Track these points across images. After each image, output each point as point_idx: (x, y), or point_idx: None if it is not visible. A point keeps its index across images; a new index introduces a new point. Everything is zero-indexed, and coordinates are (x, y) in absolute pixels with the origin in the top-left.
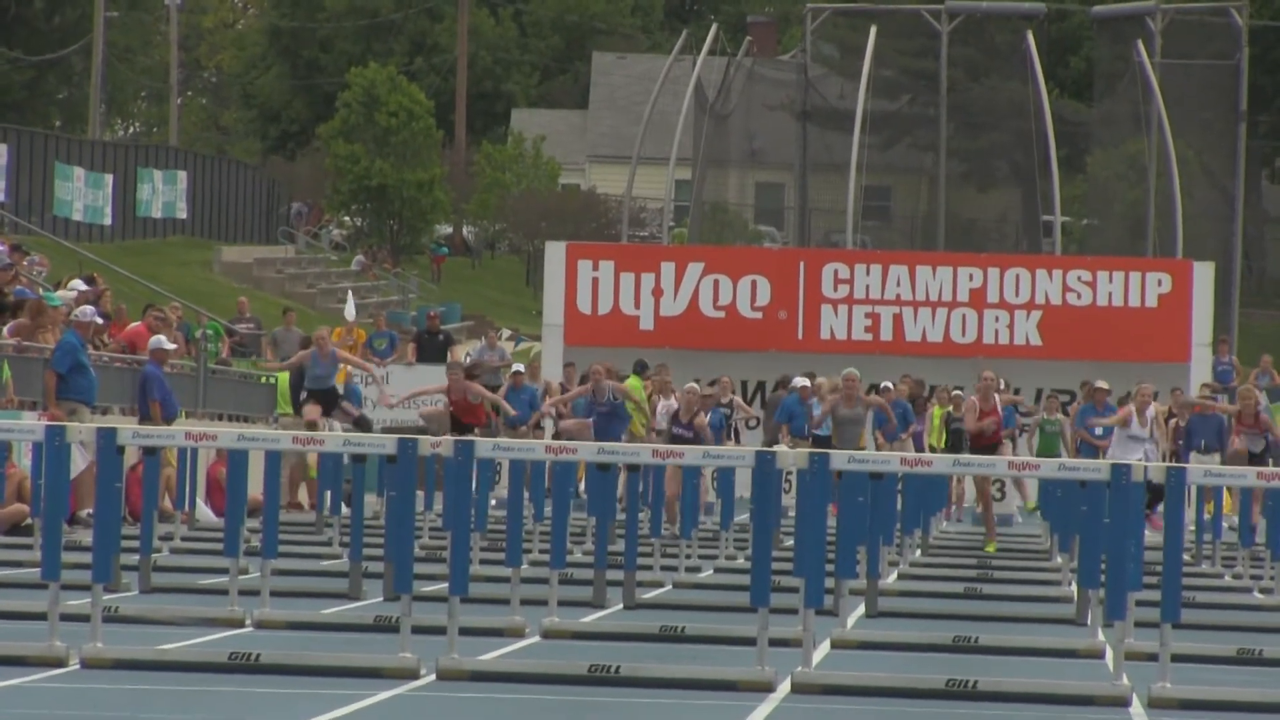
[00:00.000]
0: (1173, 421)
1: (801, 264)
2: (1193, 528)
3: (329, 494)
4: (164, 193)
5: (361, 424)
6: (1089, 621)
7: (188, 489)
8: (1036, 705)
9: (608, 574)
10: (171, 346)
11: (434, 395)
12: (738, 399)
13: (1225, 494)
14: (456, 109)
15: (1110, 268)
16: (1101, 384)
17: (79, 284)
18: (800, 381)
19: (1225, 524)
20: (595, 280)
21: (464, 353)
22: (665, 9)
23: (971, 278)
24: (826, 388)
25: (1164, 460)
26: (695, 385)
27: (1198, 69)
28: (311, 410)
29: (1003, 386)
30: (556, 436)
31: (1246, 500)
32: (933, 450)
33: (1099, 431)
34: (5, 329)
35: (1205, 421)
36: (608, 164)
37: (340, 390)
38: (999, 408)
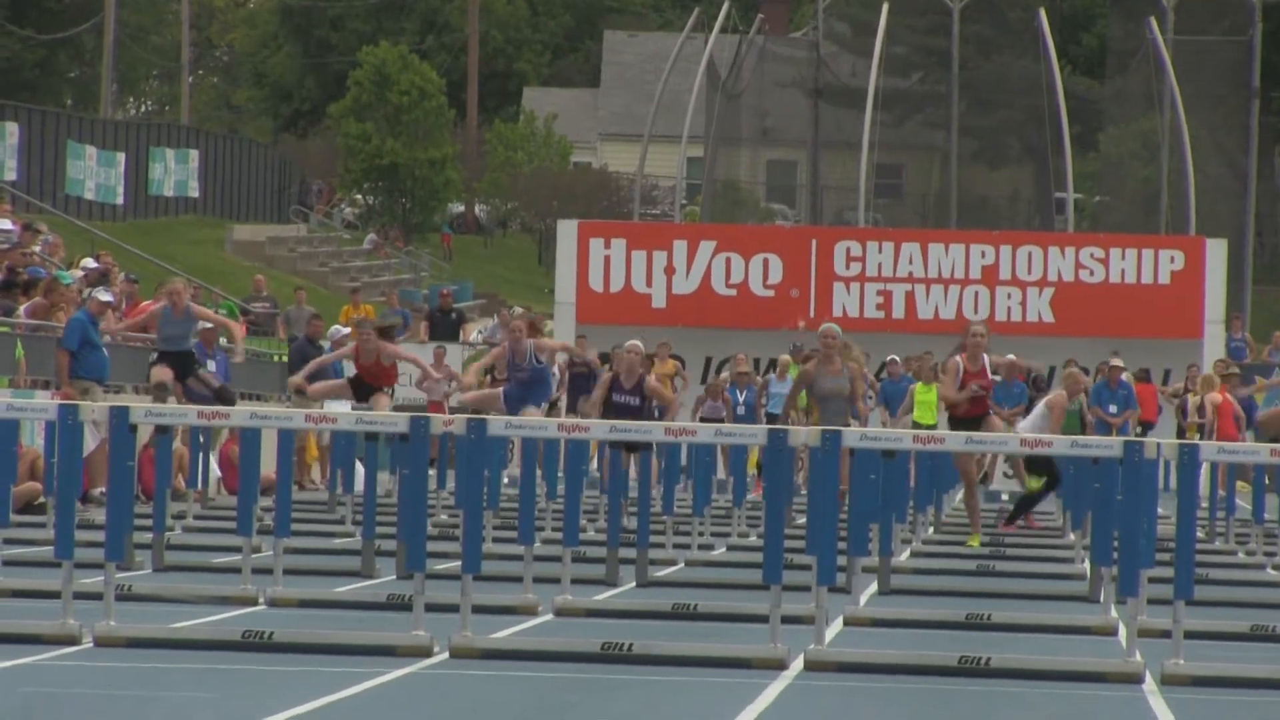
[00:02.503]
0: (1194, 399)
1: (814, 242)
2: (1205, 505)
3: (340, 472)
4: (176, 171)
5: (222, 396)
6: (1102, 598)
7: (200, 467)
8: (1049, 682)
9: (620, 552)
10: (210, 325)
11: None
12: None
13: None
14: (468, 87)
15: (1123, 245)
16: (1117, 362)
17: (90, 263)
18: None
19: (1239, 500)
20: (607, 258)
21: (475, 330)
22: None
23: (984, 255)
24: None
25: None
26: (638, 343)
27: (1210, 45)
28: (160, 371)
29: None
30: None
31: (1260, 476)
32: (918, 428)
33: (1114, 409)
34: (23, 309)
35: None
36: (619, 142)
37: (199, 356)
38: (990, 371)
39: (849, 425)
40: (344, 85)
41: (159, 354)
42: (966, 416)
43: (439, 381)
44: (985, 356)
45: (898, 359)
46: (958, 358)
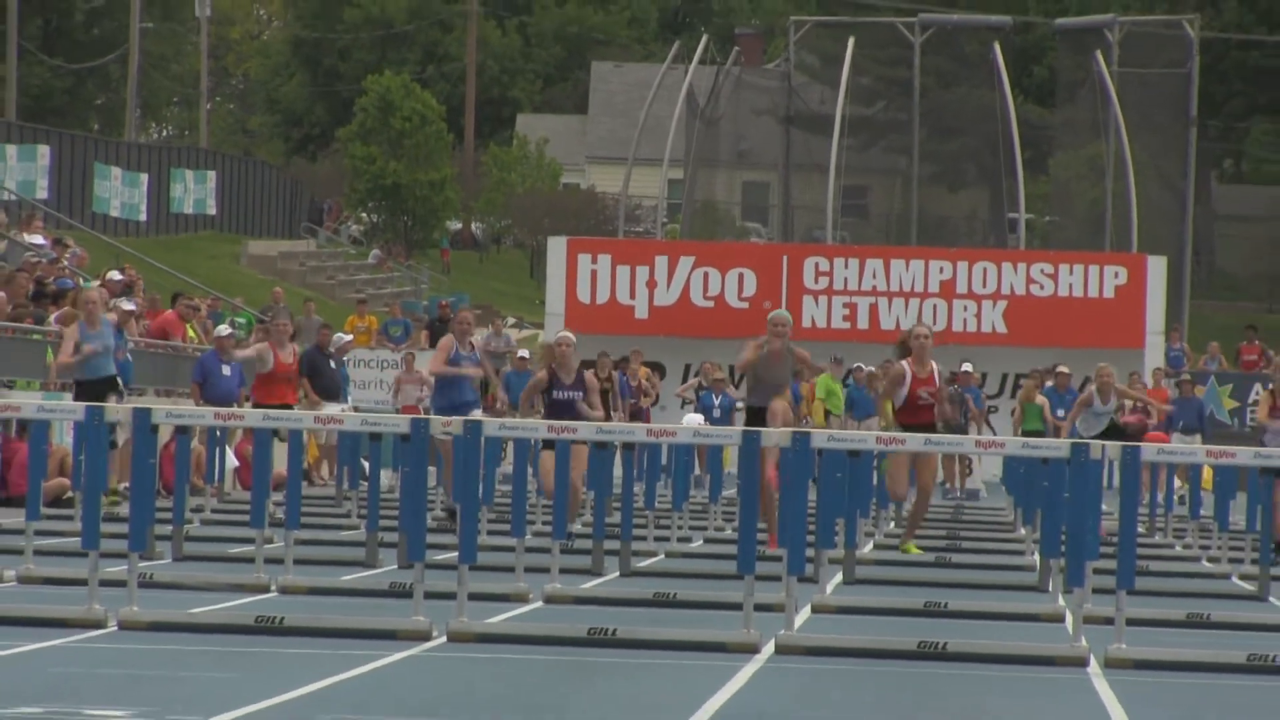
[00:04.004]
0: (1128, 403)
1: (785, 258)
2: (1146, 501)
3: (347, 469)
4: (195, 191)
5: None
6: (1050, 588)
7: (216, 465)
8: (1001, 665)
9: (605, 544)
10: (228, 332)
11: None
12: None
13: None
14: (466, 113)
15: (1071, 261)
16: (1063, 369)
17: (116, 275)
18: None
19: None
20: (594, 272)
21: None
22: (659, 21)
23: (942, 270)
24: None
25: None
26: (569, 335)
27: (1152, 77)
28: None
29: (967, 368)
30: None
31: (1196, 476)
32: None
33: (1060, 413)
34: (53, 317)
35: (1187, 404)
36: (606, 165)
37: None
38: (938, 377)
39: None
40: (351, 111)
41: (76, 386)
42: (913, 423)
43: (418, 386)
44: (933, 363)
45: (864, 366)
46: (904, 363)
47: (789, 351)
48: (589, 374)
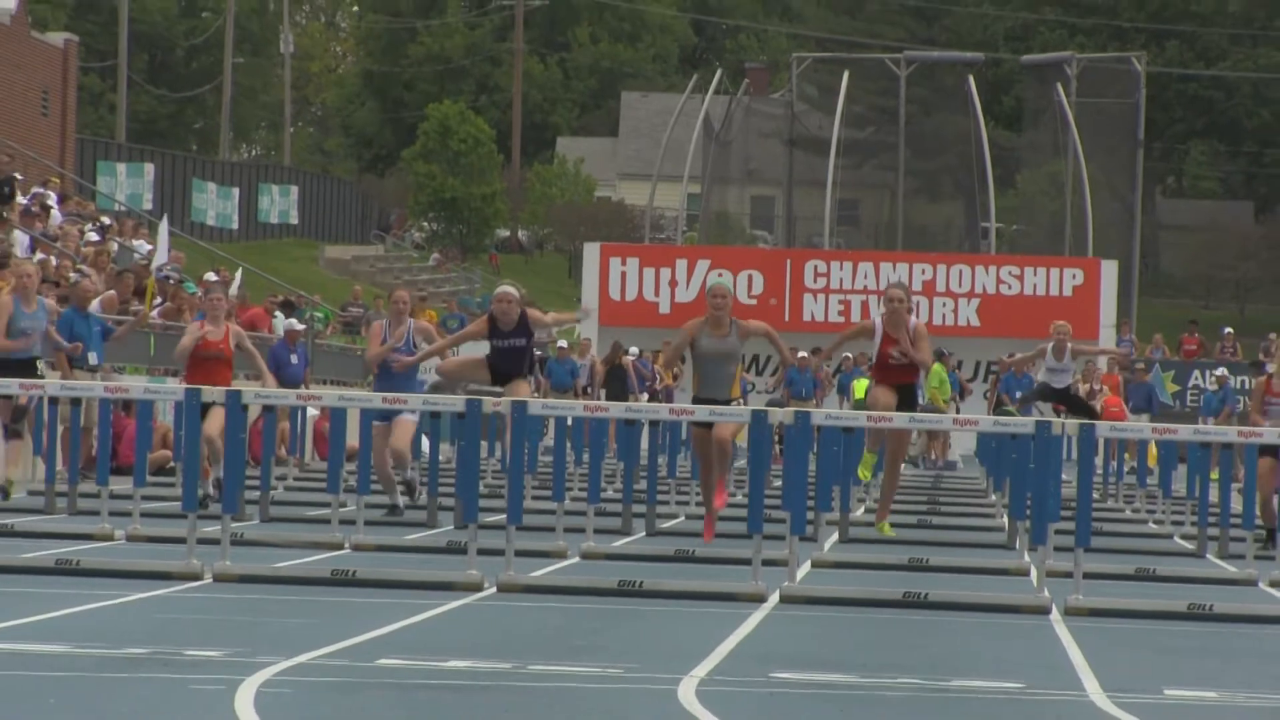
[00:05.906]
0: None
1: (788, 261)
2: (1100, 470)
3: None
4: (279, 203)
5: (18, 415)
6: (1017, 546)
7: (299, 439)
8: (975, 613)
9: (633, 507)
10: (301, 328)
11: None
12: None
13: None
14: (513, 136)
15: (1035, 264)
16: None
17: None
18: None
19: (1126, 468)
20: (624, 274)
21: None
22: (680, 57)
23: (924, 272)
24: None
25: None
26: (510, 290)
27: (1105, 106)
28: None
29: (943, 355)
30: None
31: (1143, 449)
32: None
33: (1019, 394)
34: (155, 312)
35: (1138, 389)
36: (634, 181)
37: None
38: (912, 340)
39: (732, 396)
40: (414, 135)
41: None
42: (896, 382)
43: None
44: (912, 319)
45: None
46: (877, 317)
47: (734, 326)
48: (532, 313)
